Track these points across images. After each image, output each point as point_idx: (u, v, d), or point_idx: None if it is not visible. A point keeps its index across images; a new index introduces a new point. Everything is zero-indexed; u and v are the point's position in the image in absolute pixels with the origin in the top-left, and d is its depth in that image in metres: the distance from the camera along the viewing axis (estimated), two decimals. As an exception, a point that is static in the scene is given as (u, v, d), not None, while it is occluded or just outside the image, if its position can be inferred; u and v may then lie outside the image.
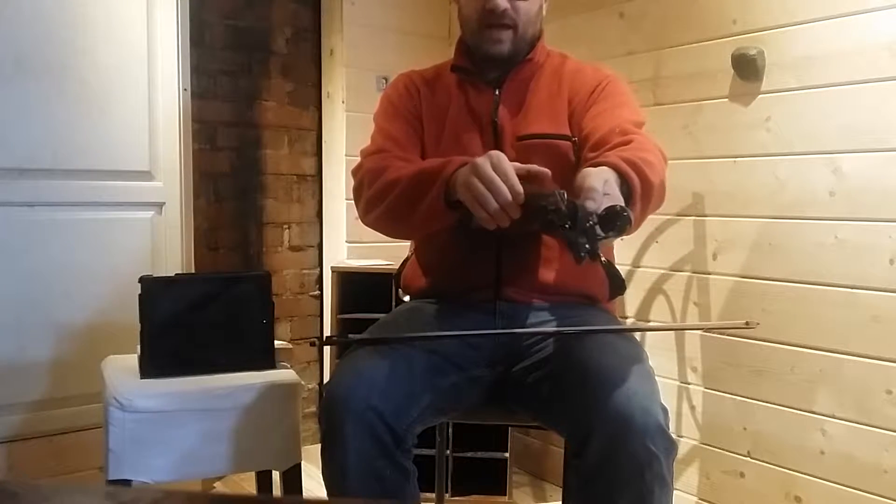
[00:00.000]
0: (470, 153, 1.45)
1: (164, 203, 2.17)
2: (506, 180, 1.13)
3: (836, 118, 1.75)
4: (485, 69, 1.50)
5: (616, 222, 1.03)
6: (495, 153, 1.17)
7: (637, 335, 1.89)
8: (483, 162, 1.16)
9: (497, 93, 1.48)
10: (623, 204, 1.11)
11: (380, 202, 1.35)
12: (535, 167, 1.19)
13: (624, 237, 1.28)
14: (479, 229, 1.21)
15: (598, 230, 1.03)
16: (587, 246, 1.03)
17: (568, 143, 1.44)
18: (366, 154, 1.46)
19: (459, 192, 1.19)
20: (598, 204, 1.05)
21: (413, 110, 1.52)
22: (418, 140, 1.50)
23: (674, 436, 1.17)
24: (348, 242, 2.62)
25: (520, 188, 1.13)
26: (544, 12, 1.51)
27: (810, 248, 1.80)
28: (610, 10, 2.21)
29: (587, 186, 1.07)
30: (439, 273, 1.50)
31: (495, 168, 1.14)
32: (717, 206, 1.98)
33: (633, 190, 1.15)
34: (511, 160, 1.43)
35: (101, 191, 2.09)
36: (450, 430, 2.22)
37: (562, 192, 1.08)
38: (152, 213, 2.17)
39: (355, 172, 1.45)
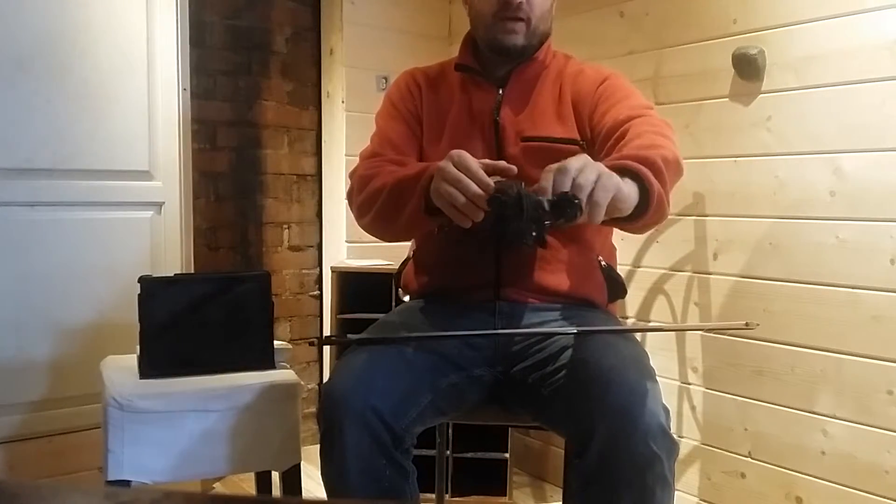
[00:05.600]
0: (470, 153, 1.45)
1: (164, 203, 2.17)
2: (470, 175, 1.15)
3: (836, 118, 1.74)
4: (491, 67, 1.49)
5: (566, 209, 1.04)
6: (456, 152, 1.19)
7: (638, 335, 1.89)
8: (445, 164, 1.18)
9: (501, 92, 1.47)
10: (632, 192, 1.14)
11: (369, 209, 1.38)
12: (501, 163, 1.21)
13: (665, 216, 1.27)
14: (460, 233, 1.22)
15: (548, 217, 1.03)
16: (534, 234, 1.04)
17: (575, 147, 1.44)
18: (363, 157, 1.48)
19: (434, 199, 1.22)
20: (546, 183, 1.06)
21: (413, 111, 1.52)
22: (416, 141, 1.51)
23: (675, 436, 1.17)
24: (348, 242, 2.62)
25: (487, 179, 1.15)
26: (553, 12, 1.51)
27: (811, 248, 1.79)
28: (610, 10, 2.21)
29: (545, 170, 1.09)
30: (439, 273, 1.49)
31: (458, 166, 1.16)
32: (718, 205, 1.98)
33: (649, 184, 1.16)
34: (514, 159, 1.43)
35: (101, 191, 2.09)
36: (450, 430, 2.21)
37: (520, 182, 1.09)
38: (152, 212, 2.17)
39: (351, 176, 1.47)
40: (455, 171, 1.16)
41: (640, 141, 1.26)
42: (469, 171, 1.15)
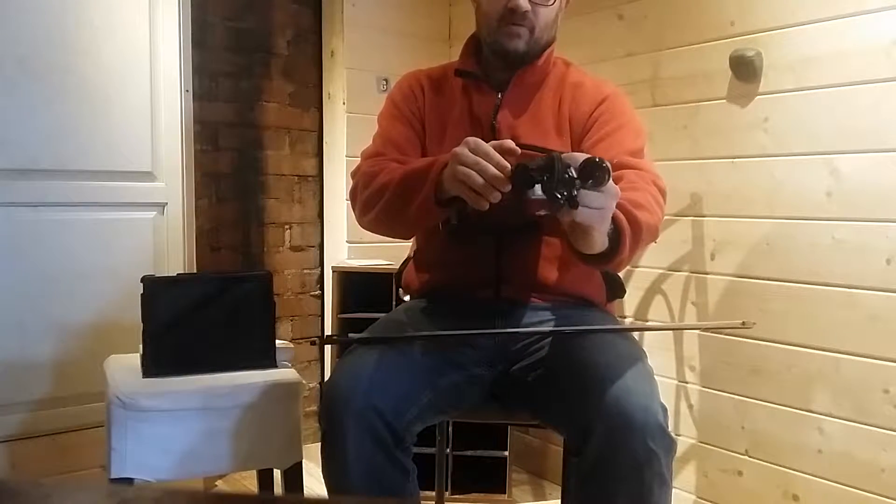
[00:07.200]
0: None
1: (167, 203, 2.19)
2: (488, 158, 1.16)
3: (833, 119, 1.76)
4: (492, 71, 1.50)
5: (595, 173, 1.04)
6: (471, 139, 1.19)
7: (636, 334, 1.90)
8: (461, 150, 1.18)
9: (500, 96, 1.48)
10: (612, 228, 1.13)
11: (373, 205, 1.38)
12: (507, 141, 1.20)
13: (618, 272, 1.29)
14: (475, 217, 1.22)
15: (577, 181, 1.04)
16: (565, 193, 1.04)
17: None
18: (365, 156, 1.48)
19: (448, 186, 1.22)
20: (576, 160, 1.06)
21: (416, 112, 1.53)
22: (418, 142, 1.51)
23: (673, 434, 1.18)
24: (349, 242, 2.64)
25: (504, 162, 1.16)
26: (559, 22, 1.51)
27: (808, 248, 1.81)
28: (609, 12, 2.23)
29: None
30: (439, 272, 1.51)
31: (475, 151, 1.17)
32: (716, 206, 1.99)
33: (622, 233, 1.16)
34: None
35: (104, 191, 2.10)
36: (450, 428, 2.23)
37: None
38: (154, 213, 2.18)
39: (353, 175, 1.47)
40: (472, 155, 1.17)
41: (636, 196, 1.26)
42: (487, 155, 1.16)
